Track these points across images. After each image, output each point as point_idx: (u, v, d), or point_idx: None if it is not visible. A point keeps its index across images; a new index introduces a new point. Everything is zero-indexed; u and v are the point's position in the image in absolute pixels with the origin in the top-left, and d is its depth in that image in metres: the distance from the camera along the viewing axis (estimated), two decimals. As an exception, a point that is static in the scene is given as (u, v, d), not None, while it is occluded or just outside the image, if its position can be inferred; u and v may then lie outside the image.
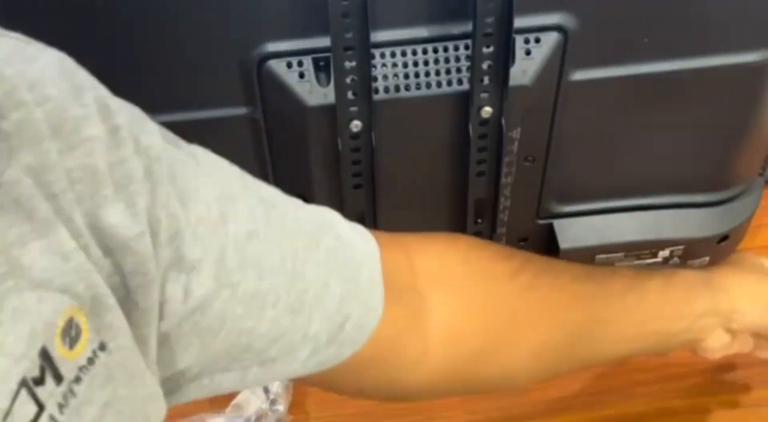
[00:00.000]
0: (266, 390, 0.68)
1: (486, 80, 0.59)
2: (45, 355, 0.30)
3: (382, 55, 0.60)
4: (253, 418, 0.68)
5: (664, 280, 0.62)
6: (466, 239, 0.60)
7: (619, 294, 0.60)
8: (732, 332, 0.63)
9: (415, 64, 0.60)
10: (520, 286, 0.56)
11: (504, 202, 0.71)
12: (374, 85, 0.59)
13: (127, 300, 0.35)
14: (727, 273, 0.65)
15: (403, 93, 0.60)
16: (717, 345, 0.63)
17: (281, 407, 0.68)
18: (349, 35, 0.56)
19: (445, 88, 0.60)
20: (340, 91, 0.58)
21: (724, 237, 0.80)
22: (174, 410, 0.71)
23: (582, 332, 0.58)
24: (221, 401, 0.71)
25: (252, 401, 0.68)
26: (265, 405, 0.68)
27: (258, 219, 0.43)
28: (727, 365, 0.75)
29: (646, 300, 0.60)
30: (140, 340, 0.36)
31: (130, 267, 0.35)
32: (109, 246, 0.34)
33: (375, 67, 0.59)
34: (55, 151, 0.32)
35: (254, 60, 0.59)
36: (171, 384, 0.42)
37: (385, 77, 0.60)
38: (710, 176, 0.76)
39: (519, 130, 0.65)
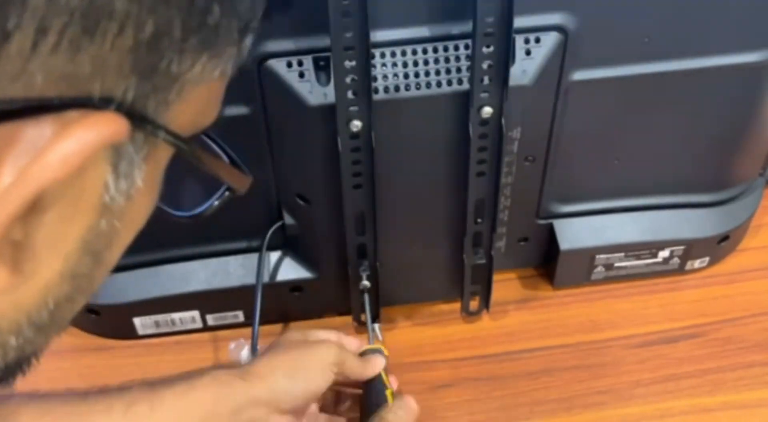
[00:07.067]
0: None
1: (486, 80, 0.59)
2: None
3: (382, 55, 0.60)
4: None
5: (186, 385, 0.60)
6: None
7: (124, 406, 0.58)
8: (293, 411, 0.62)
9: (415, 64, 0.60)
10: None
11: (504, 202, 0.71)
12: (374, 84, 0.59)
13: None
14: (263, 360, 0.63)
15: (403, 93, 0.60)
16: None
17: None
18: (349, 35, 0.56)
19: (445, 88, 0.60)
20: (340, 90, 0.58)
21: (725, 238, 0.80)
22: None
23: None
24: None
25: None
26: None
27: None
28: (728, 365, 0.75)
29: (163, 406, 0.58)
30: None
31: None
32: None
33: (375, 66, 0.59)
34: None
35: (254, 59, 0.59)
36: None
37: (385, 77, 0.60)
38: (710, 176, 0.76)
39: (519, 129, 0.65)
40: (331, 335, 0.68)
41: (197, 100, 0.33)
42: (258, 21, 0.34)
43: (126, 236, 0.35)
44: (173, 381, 0.60)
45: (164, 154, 0.34)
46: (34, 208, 0.29)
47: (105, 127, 0.28)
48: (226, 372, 0.62)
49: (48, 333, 0.34)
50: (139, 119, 0.30)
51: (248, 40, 0.34)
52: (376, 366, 0.67)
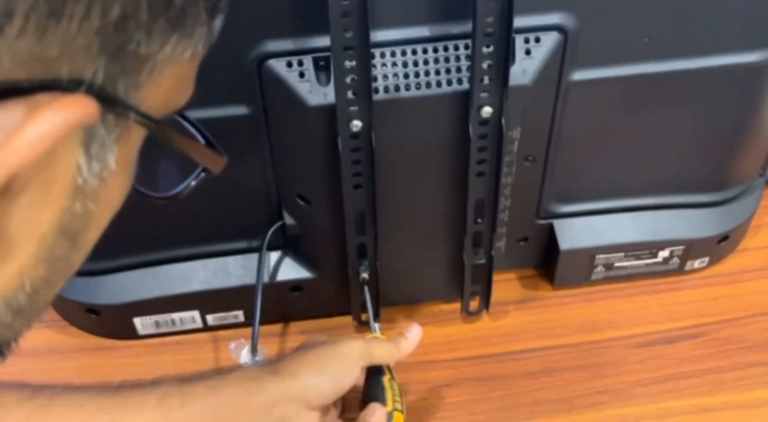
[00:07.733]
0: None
1: (486, 80, 0.59)
2: None
3: (382, 55, 0.60)
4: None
5: (218, 379, 0.60)
6: None
7: (156, 399, 0.58)
8: (322, 408, 0.62)
9: (415, 63, 0.60)
10: (33, 407, 0.56)
11: (504, 202, 0.71)
12: (374, 84, 0.59)
13: None
14: (294, 357, 0.63)
15: (403, 93, 0.60)
16: None
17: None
18: (349, 35, 0.56)
19: (445, 88, 0.60)
20: (340, 90, 0.58)
21: (725, 238, 0.80)
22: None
23: None
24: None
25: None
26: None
27: None
28: (728, 365, 0.75)
29: (194, 400, 0.58)
30: None
31: None
32: None
33: (375, 66, 0.59)
34: None
35: (254, 59, 0.59)
36: None
37: (385, 77, 0.60)
38: (710, 176, 0.76)
39: (519, 129, 0.65)
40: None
41: (169, 80, 0.33)
42: (227, 0, 0.34)
43: (102, 218, 0.35)
44: (205, 376, 0.60)
45: (137, 135, 0.34)
46: (5, 192, 0.29)
47: (75, 109, 0.28)
48: (258, 368, 0.62)
49: (27, 316, 0.34)
50: (109, 101, 0.30)
51: (219, 20, 0.34)
52: (411, 342, 0.67)
